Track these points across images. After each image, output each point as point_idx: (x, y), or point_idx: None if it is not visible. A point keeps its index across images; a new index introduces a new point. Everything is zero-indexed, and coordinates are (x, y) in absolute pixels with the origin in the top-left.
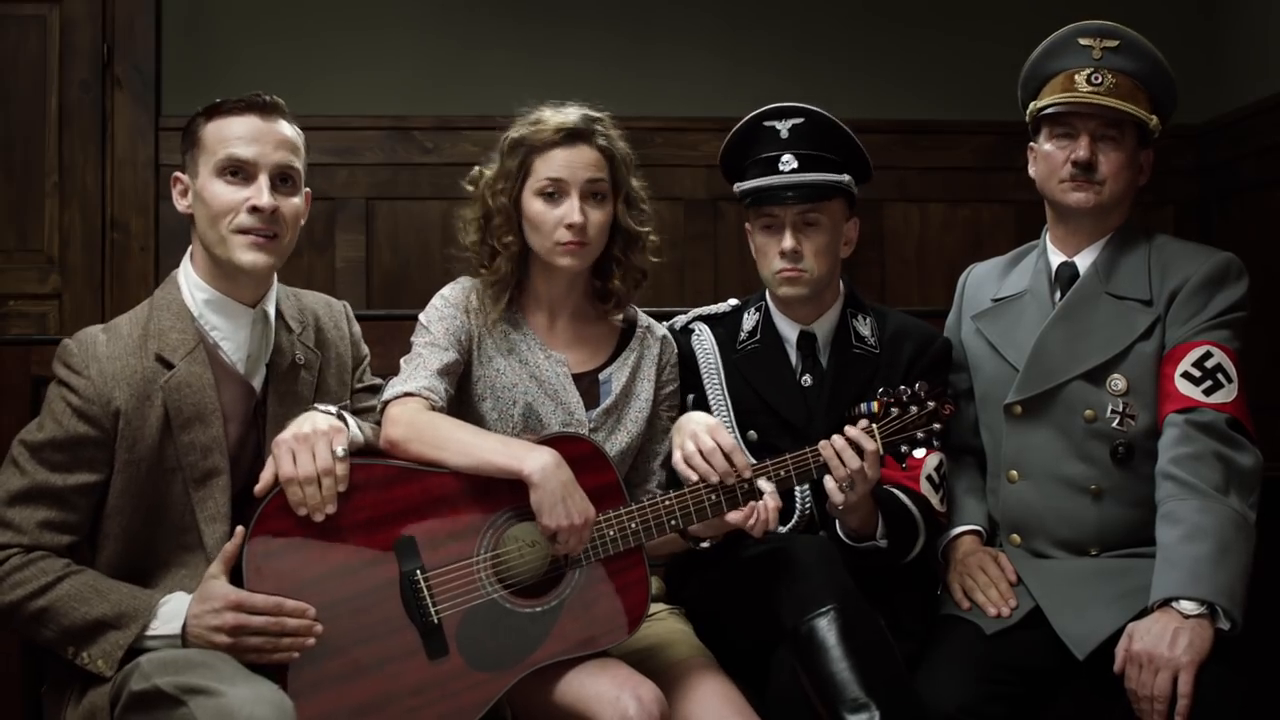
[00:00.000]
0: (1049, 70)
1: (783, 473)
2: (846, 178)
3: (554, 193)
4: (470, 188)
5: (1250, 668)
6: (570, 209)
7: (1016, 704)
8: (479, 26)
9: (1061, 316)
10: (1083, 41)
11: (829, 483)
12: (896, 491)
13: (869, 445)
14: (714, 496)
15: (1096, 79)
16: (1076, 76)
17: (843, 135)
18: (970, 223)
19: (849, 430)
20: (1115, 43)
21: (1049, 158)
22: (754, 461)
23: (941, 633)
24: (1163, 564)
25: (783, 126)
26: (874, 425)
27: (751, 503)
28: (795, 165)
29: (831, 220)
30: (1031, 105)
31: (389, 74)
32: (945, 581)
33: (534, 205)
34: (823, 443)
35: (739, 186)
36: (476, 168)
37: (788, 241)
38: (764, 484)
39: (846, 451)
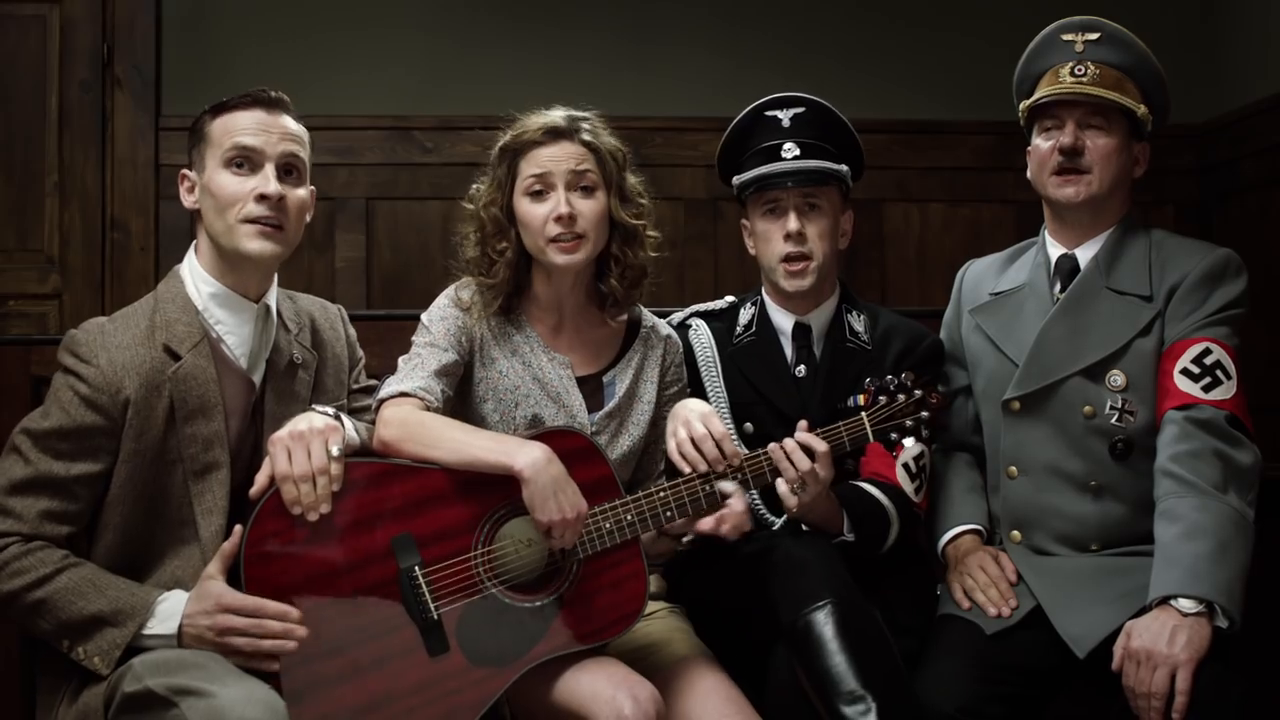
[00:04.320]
0: (1036, 70)
1: (740, 476)
2: (845, 168)
3: (540, 189)
4: (468, 205)
5: (1248, 667)
6: (557, 202)
7: (1016, 704)
8: (479, 27)
9: (1063, 311)
10: (1065, 37)
11: (781, 485)
12: (865, 486)
13: (820, 447)
14: (708, 488)
15: (1080, 70)
16: (1061, 70)
17: (841, 126)
18: (970, 223)
19: (799, 434)
20: (1096, 35)
21: (1038, 151)
22: (746, 451)
23: (941, 632)
24: (1161, 561)
25: (785, 115)
26: (863, 414)
27: (719, 511)
28: (797, 153)
29: (830, 206)
30: (1021, 105)
31: (389, 74)
32: (945, 581)
33: (523, 205)
34: (772, 445)
35: (739, 179)
36: (474, 185)
37: (792, 223)
38: (726, 485)
39: (797, 453)
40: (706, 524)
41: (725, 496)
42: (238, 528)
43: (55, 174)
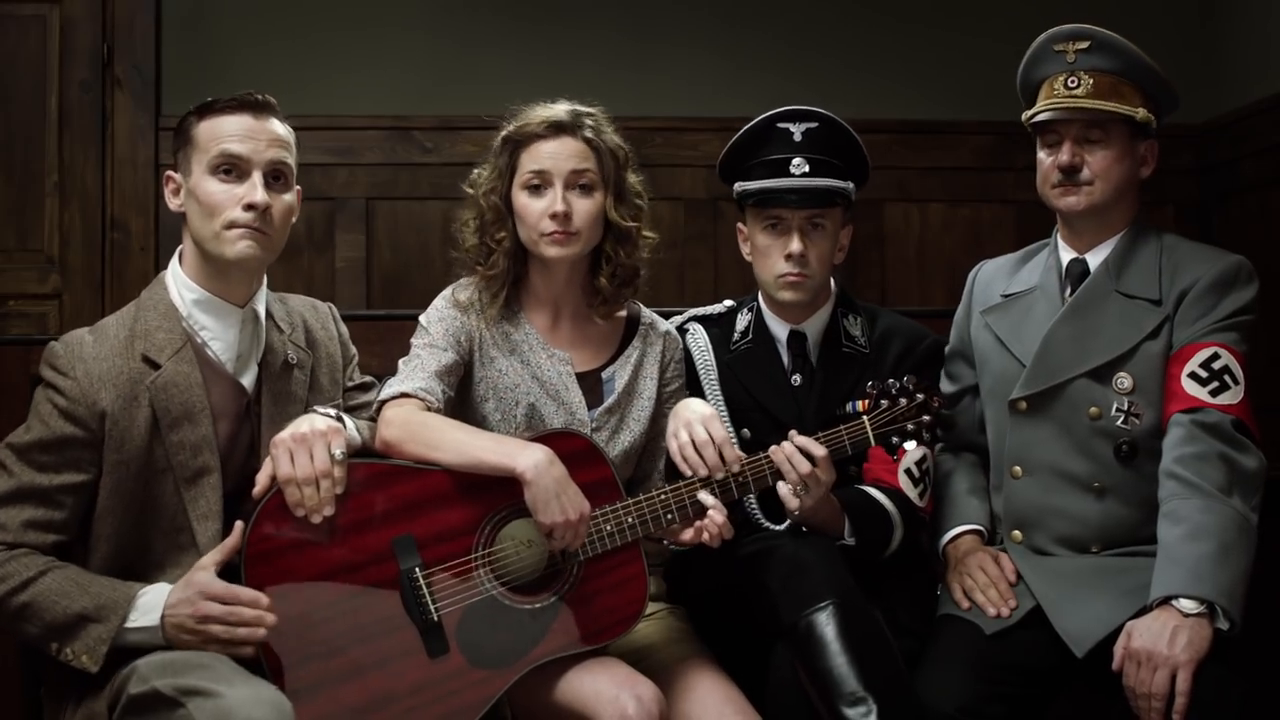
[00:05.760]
0: (1034, 80)
1: (741, 479)
2: (851, 185)
3: (539, 185)
4: (469, 190)
5: (1249, 669)
6: (554, 199)
7: (1016, 704)
8: (479, 27)
9: (1070, 313)
10: (1056, 48)
11: (782, 488)
12: (868, 489)
13: (819, 451)
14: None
15: (1073, 83)
16: (1055, 83)
17: (852, 142)
18: (970, 223)
19: (798, 438)
20: (1086, 43)
21: (1041, 165)
22: (744, 455)
23: (941, 632)
24: (1164, 562)
25: (796, 130)
26: (864, 418)
27: (697, 522)
28: (806, 169)
29: (833, 225)
30: (1023, 116)
31: (389, 74)
32: (945, 581)
33: (520, 198)
34: (773, 449)
35: (742, 186)
36: (475, 170)
37: (795, 245)
38: (704, 497)
39: (796, 457)
40: (687, 535)
41: (705, 508)
42: (239, 524)
43: (55, 174)
